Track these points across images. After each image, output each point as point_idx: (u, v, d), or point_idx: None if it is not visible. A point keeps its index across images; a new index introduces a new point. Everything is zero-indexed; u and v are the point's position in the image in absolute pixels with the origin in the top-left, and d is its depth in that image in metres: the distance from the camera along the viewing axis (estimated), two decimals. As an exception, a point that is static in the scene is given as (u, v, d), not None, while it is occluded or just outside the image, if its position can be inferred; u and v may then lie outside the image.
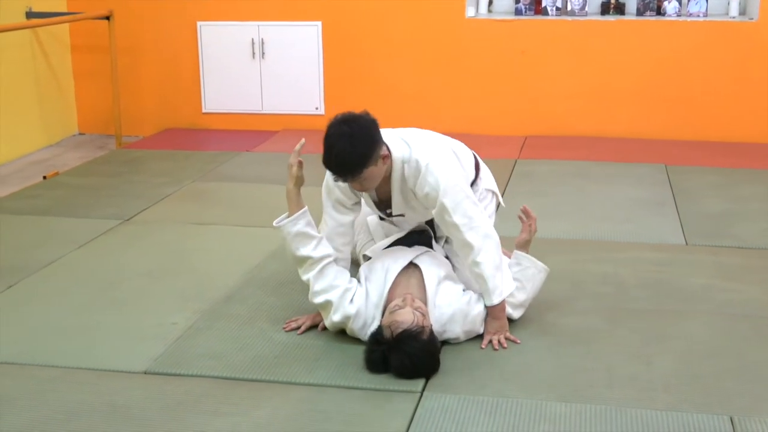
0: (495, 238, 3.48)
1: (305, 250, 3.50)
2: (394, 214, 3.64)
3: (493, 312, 3.51)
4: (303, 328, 3.66)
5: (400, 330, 3.25)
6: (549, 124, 7.30)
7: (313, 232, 3.51)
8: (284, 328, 3.69)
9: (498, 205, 3.99)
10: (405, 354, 3.20)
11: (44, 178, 6.28)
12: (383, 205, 3.64)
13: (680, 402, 3.12)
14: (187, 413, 3.07)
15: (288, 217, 3.52)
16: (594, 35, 7.13)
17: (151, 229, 5.06)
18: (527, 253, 3.70)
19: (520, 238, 3.72)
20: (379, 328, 3.34)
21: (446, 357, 3.42)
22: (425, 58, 7.38)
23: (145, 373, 3.36)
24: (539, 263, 3.69)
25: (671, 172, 6.15)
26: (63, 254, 4.65)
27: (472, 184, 3.74)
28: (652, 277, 4.25)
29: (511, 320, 3.63)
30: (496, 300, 3.48)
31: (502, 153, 6.69)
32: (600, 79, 7.17)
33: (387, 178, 3.47)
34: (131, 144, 7.42)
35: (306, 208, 3.50)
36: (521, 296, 3.65)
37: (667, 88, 7.08)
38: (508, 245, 4.02)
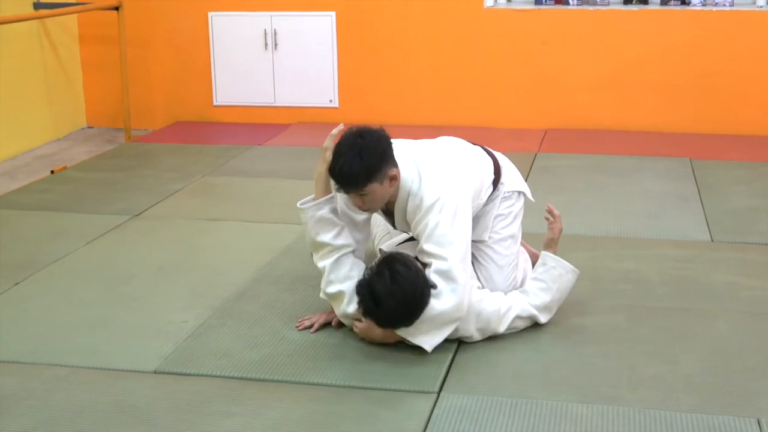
0: (458, 312, 3.39)
1: (326, 237, 3.48)
2: (397, 228, 3.65)
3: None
4: (316, 326, 3.66)
5: (386, 255, 3.29)
6: (570, 117, 7.27)
7: (336, 219, 3.51)
8: (297, 326, 3.69)
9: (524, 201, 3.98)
10: (389, 275, 3.21)
11: (52, 172, 6.30)
12: (389, 217, 3.64)
13: (705, 403, 3.10)
14: (197, 414, 3.07)
15: (314, 200, 3.50)
16: (616, 25, 7.09)
17: (161, 225, 5.07)
18: (555, 252, 3.68)
19: (546, 237, 3.71)
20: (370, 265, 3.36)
21: (463, 356, 3.42)
22: (442, 49, 7.36)
23: (155, 372, 3.37)
24: (567, 264, 3.66)
25: (696, 166, 6.12)
26: (71, 250, 4.67)
27: (494, 189, 3.73)
28: (676, 275, 4.23)
29: (541, 327, 3.62)
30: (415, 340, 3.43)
31: (522, 147, 6.67)
32: (622, 70, 7.14)
33: (392, 201, 3.49)
34: (141, 137, 7.43)
35: (334, 193, 3.49)
36: (545, 297, 3.62)
37: (692, 80, 7.04)
38: (532, 242, 4.01)
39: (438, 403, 3.12)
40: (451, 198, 3.38)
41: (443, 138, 3.87)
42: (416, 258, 3.43)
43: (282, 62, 7.60)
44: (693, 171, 6.00)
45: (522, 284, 3.76)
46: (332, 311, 3.65)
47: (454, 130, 7.19)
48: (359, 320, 3.47)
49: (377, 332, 3.43)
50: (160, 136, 7.42)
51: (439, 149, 3.64)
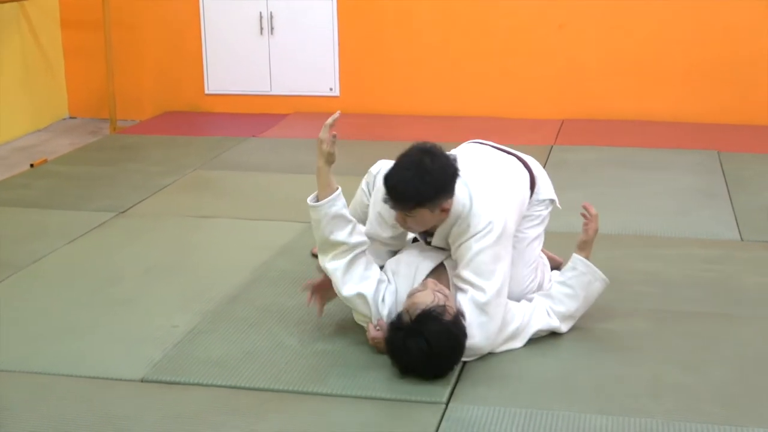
0: (483, 349, 3.44)
1: (340, 235, 3.46)
2: (433, 244, 3.66)
3: None
4: (310, 298, 3.68)
5: (417, 311, 3.26)
6: (588, 106, 7.27)
7: (348, 215, 3.51)
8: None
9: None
10: (423, 336, 3.20)
11: (31, 166, 6.31)
12: (425, 232, 3.65)
13: (734, 415, 3.10)
14: (187, 426, 3.07)
15: (319, 197, 3.49)
16: (639, 7, 7.08)
17: (149, 223, 5.08)
18: (588, 257, 3.67)
19: (579, 238, 3.69)
20: (398, 314, 3.35)
21: (473, 364, 3.42)
22: (452, 32, 7.35)
23: (142, 381, 3.37)
24: (598, 271, 3.65)
25: (725, 159, 6.11)
26: (52, 250, 4.67)
27: (530, 197, 3.77)
28: (703, 276, 4.23)
29: (558, 333, 3.63)
30: None
31: (536, 138, 6.67)
32: (645, 55, 7.13)
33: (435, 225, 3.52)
34: (127, 129, 7.44)
35: (339, 189, 3.49)
36: (570, 305, 3.62)
37: (721, 66, 7.03)
38: (549, 242, 4.00)
39: (446, 414, 3.12)
40: (499, 227, 3.42)
41: (477, 147, 3.91)
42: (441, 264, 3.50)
43: (279, 47, 7.60)
44: (721, 164, 5.99)
45: (540, 288, 3.77)
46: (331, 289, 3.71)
47: (464, 121, 7.25)
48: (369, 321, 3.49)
49: None
50: (147, 127, 7.43)
51: (490, 169, 3.68)
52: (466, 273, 3.42)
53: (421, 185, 3.30)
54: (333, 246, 3.47)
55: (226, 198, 5.50)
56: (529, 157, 3.92)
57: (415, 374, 3.30)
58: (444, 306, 3.27)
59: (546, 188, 3.87)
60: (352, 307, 3.54)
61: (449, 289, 3.48)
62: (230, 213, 5.21)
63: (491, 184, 3.56)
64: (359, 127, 7.17)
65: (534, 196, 3.79)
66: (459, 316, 3.32)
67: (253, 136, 6.99)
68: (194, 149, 6.60)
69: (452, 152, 3.90)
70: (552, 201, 3.88)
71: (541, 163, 4.01)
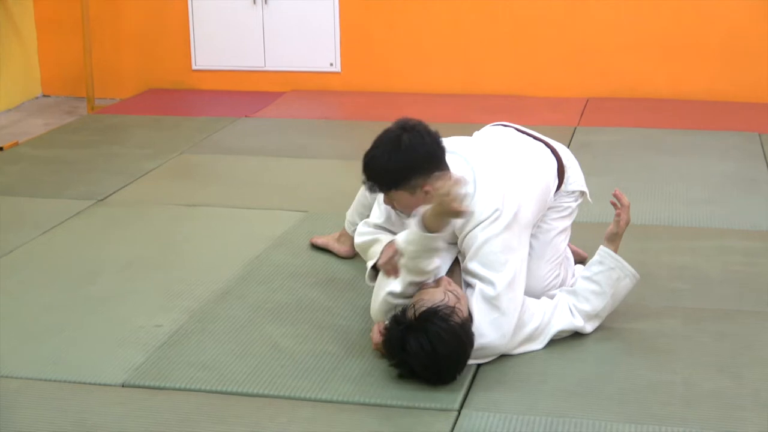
0: (496, 349, 3.43)
1: (430, 265, 3.41)
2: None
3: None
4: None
5: (423, 308, 3.26)
6: (615, 84, 7.26)
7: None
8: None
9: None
10: (425, 334, 3.19)
11: (1, 149, 6.31)
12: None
13: (776, 424, 3.10)
14: (174, 435, 3.08)
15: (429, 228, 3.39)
16: (671, -26, 7.08)
17: (131, 212, 5.08)
18: (616, 250, 3.66)
19: (608, 230, 3.68)
20: (403, 308, 3.35)
21: (488, 367, 3.42)
22: (464, 2, 7.34)
23: (123, 386, 3.37)
24: (628, 266, 3.65)
25: (766, 141, 6.10)
26: (25, 241, 4.68)
27: (557, 189, 3.77)
28: (741, 271, 4.22)
29: (582, 334, 3.62)
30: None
31: (558, 119, 6.67)
32: (678, 28, 7.11)
33: None
34: (106, 108, 7.43)
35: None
36: (596, 303, 3.62)
37: (760, 40, 7.01)
38: (576, 232, 4.00)
39: (458, 422, 3.12)
40: (508, 214, 3.41)
41: (499, 129, 3.91)
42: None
43: (274, 18, 7.59)
44: (762, 148, 5.98)
45: (563, 284, 3.77)
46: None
47: (478, 100, 7.24)
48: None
49: None
50: (129, 106, 7.43)
51: (506, 152, 3.67)
52: (472, 265, 3.42)
53: (392, 164, 3.34)
54: (419, 273, 3.41)
55: (215, 184, 5.50)
56: (560, 144, 3.92)
57: (410, 376, 3.29)
58: (453, 308, 3.27)
59: (577, 179, 3.87)
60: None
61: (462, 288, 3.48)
62: (220, 201, 5.21)
63: (502, 167, 3.55)
64: (362, 107, 7.17)
65: (563, 186, 3.79)
66: (468, 321, 3.32)
67: (246, 116, 6.99)
68: (180, 131, 6.60)
69: (475, 134, 3.91)
70: (582, 193, 3.88)
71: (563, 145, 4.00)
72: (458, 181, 3.26)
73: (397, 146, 3.36)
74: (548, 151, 3.81)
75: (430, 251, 3.35)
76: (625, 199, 3.68)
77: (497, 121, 4.08)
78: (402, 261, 3.39)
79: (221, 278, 4.22)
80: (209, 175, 5.70)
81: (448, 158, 3.47)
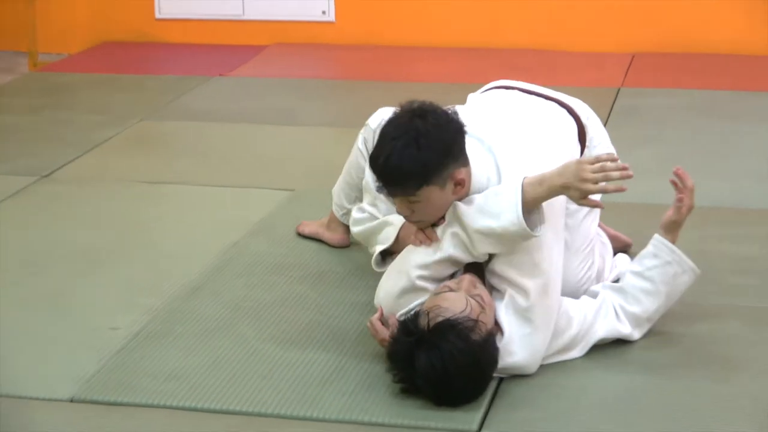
0: (528, 368, 3.42)
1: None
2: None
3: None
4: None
5: (440, 318, 3.23)
6: (665, 36, 7.24)
7: None
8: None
9: None
10: (437, 351, 3.17)
11: (-74, 114, 6.30)
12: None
13: None
14: (134, 460, 3.08)
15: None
16: None
17: (82, 191, 5.08)
18: (674, 241, 3.63)
19: (666, 217, 3.65)
20: (415, 313, 3.33)
21: (511, 382, 3.40)
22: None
23: (72, 401, 3.36)
24: (687, 260, 3.62)
25: None
26: (-47, 226, 4.67)
27: (580, 154, 3.76)
28: (819, 263, 4.22)
29: (629, 341, 3.61)
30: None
31: (598, 79, 6.66)
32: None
33: None
34: (52, 65, 7.42)
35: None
36: (648, 305, 3.60)
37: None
38: (616, 213, 3.98)
39: (477, 446, 3.12)
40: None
41: (502, 94, 3.87)
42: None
43: (254, -43, 7.57)
44: (843, 114, 5.99)
45: (599, 277, 3.75)
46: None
47: (498, 55, 7.21)
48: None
49: None
50: (80, 62, 7.41)
51: (523, 124, 3.64)
52: (500, 267, 3.40)
53: (421, 152, 3.28)
54: (466, 253, 3.42)
55: (184, 157, 5.50)
56: (575, 99, 3.89)
57: (416, 393, 3.28)
58: (476, 321, 3.23)
59: (601, 139, 3.86)
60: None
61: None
62: (190, 177, 5.21)
63: (525, 145, 3.53)
64: (360, 63, 7.16)
65: (586, 151, 3.78)
66: (492, 337, 3.30)
67: (221, 74, 6.98)
68: (142, 92, 6.59)
69: (469, 102, 3.86)
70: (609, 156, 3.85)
71: (605, 112, 3.99)
72: (612, 157, 3.26)
73: (419, 133, 3.29)
74: (565, 112, 3.79)
75: (510, 240, 3.32)
76: (689, 180, 3.62)
77: (523, 80, 4.04)
78: (453, 231, 3.38)
79: (191, 271, 4.21)
80: (176, 146, 5.70)
81: (474, 147, 3.44)
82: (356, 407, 3.28)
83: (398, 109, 3.42)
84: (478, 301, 3.30)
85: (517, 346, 3.35)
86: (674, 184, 3.63)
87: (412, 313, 3.36)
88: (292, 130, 5.90)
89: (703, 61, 7.04)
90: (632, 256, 3.94)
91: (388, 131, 3.37)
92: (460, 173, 3.36)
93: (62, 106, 6.37)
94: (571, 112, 3.79)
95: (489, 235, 3.31)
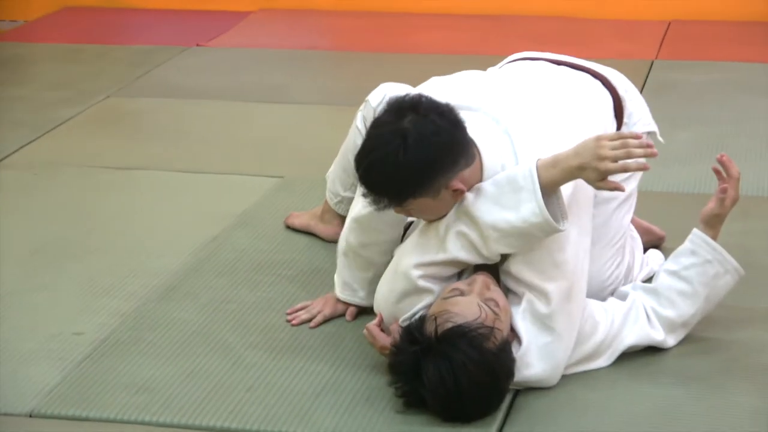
0: (549, 381, 3.44)
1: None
2: None
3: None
4: (319, 319, 3.76)
5: (449, 325, 3.24)
6: (705, 2, 7.24)
7: None
8: (289, 319, 3.82)
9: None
10: (447, 361, 3.17)
11: None
12: None
13: None
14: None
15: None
16: None
17: (40, 178, 5.10)
18: (716, 237, 3.63)
19: (707, 209, 3.64)
20: (421, 318, 3.34)
21: (529, 393, 3.41)
22: None
23: (31, 415, 3.38)
24: (730, 259, 3.61)
25: None
26: None
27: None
28: None
29: (662, 348, 3.62)
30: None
31: (629, 50, 6.67)
32: None
33: None
34: (6, 33, 7.41)
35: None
36: (685, 309, 3.60)
37: None
38: (646, 202, 4.00)
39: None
40: (563, 190, 3.33)
41: (527, 66, 3.87)
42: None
43: None
44: None
45: (628, 275, 3.77)
46: (339, 301, 3.77)
47: (516, 23, 7.23)
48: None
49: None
50: (36, 30, 7.41)
51: (548, 103, 3.61)
52: (517, 268, 3.38)
53: (401, 168, 3.25)
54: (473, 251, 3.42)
55: (157, 140, 5.52)
56: (611, 70, 3.89)
57: (420, 407, 3.30)
58: (491, 329, 3.24)
59: (641, 115, 3.85)
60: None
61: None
62: (163, 163, 5.23)
63: (549, 125, 3.51)
64: (357, 32, 7.16)
65: (625, 128, 3.78)
66: (508, 345, 3.32)
67: (198, 44, 6.99)
68: (108, 65, 6.60)
69: (490, 74, 3.84)
70: (650, 134, 3.85)
71: (637, 87, 3.98)
72: (634, 134, 3.23)
73: (407, 138, 3.25)
74: (598, 83, 3.79)
75: (531, 236, 3.32)
76: (735, 169, 3.60)
77: (545, 51, 4.03)
78: (459, 230, 3.36)
79: (165, 269, 4.24)
80: (148, 126, 5.71)
81: (469, 120, 3.41)
82: (352, 423, 3.30)
83: (388, 104, 3.38)
84: (491, 307, 3.29)
85: (536, 357, 3.36)
86: (717, 172, 3.61)
87: (417, 318, 3.36)
88: (280, 108, 5.91)
89: (748, 31, 7.06)
90: (666, 252, 3.95)
91: (371, 135, 3.34)
92: (456, 182, 3.30)
93: (16, 80, 6.38)
94: (606, 83, 3.79)
95: (507, 230, 3.28)
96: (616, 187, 3.25)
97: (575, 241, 3.41)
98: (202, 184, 5.01)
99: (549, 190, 3.24)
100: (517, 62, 3.93)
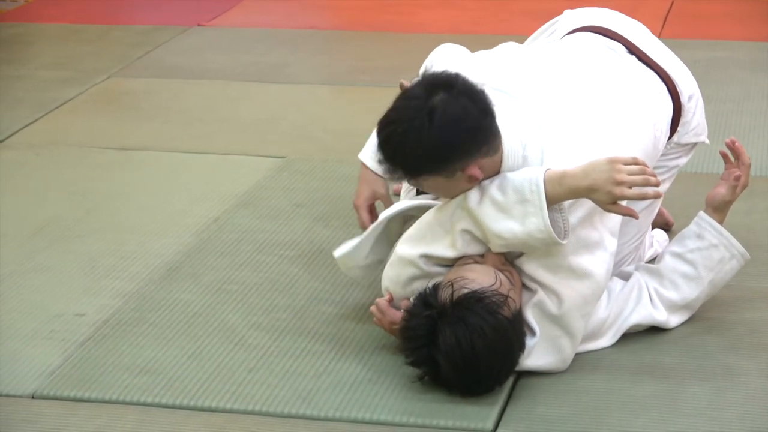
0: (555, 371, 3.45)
1: None
2: None
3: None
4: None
5: (465, 290, 3.23)
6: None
7: None
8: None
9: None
10: (463, 325, 3.17)
11: None
12: None
13: None
14: (103, 464, 3.12)
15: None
16: None
17: (40, 158, 5.10)
18: (722, 221, 3.63)
19: (715, 193, 3.63)
20: (435, 286, 3.32)
21: (530, 377, 3.42)
22: None
23: (33, 397, 3.39)
24: (736, 244, 3.61)
25: None
26: None
27: (668, 138, 3.72)
28: None
29: (664, 329, 3.62)
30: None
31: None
32: None
33: None
34: (6, 14, 7.41)
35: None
36: (688, 292, 3.60)
37: None
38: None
39: (493, 448, 3.15)
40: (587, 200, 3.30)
41: (579, 42, 3.77)
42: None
43: None
44: None
45: (637, 257, 3.78)
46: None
47: (523, 1, 7.20)
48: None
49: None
50: (37, 10, 7.40)
51: (593, 99, 3.54)
52: (531, 267, 3.36)
53: (423, 143, 3.23)
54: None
55: (157, 120, 5.52)
56: (682, 71, 3.79)
57: (433, 378, 3.30)
58: (506, 297, 3.24)
59: (698, 125, 3.80)
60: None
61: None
62: (164, 143, 5.24)
63: (587, 135, 3.42)
64: (358, 11, 7.14)
65: (675, 137, 3.75)
66: (522, 317, 3.32)
67: (199, 24, 6.98)
68: (108, 45, 6.59)
69: (546, 53, 3.76)
70: (695, 144, 3.85)
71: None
72: (639, 162, 3.17)
73: (431, 117, 3.23)
74: (662, 88, 3.69)
75: (534, 246, 3.30)
76: (746, 155, 3.60)
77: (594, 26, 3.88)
78: (464, 228, 3.35)
79: (166, 250, 4.25)
80: (149, 106, 5.70)
81: (505, 107, 3.37)
82: (355, 403, 3.30)
83: (423, 76, 3.37)
84: (507, 277, 3.31)
85: (541, 350, 3.36)
86: (724, 156, 3.61)
87: (431, 285, 3.34)
88: (282, 88, 5.90)
89: (751, 9, 7.05)
90: (670, 235, 3.97)
91: (399, 105, 3.31)
92: (473, 168, 3.27)
93: (15, 60, 6.37)
94: (671, 89, 3.71)
95: (511, 240, 3.26)
96: (629, 213, 3.22)
97: (599, 244, 3.36)
98: (203, 164, 5.01)
99: (550, 203, 3.21)
100: (585, 36, 3.81)
